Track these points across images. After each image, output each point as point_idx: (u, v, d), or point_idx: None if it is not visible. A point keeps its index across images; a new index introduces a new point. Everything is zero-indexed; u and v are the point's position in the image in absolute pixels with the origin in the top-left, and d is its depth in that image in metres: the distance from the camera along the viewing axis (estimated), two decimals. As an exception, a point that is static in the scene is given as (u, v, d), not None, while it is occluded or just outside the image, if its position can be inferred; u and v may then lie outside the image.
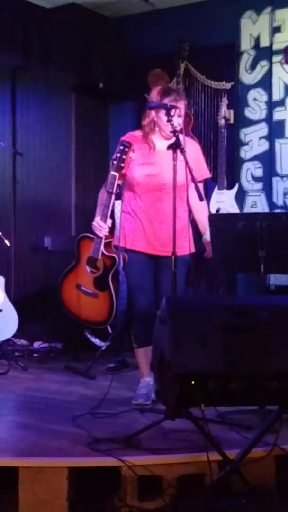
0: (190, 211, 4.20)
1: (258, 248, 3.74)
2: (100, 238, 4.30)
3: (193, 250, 4.20)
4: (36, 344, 5.84)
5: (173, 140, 3.89)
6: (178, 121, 4.06)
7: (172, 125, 3.91)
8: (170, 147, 3.88)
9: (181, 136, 4.05)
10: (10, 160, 6.19)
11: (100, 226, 4.18)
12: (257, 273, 3.82)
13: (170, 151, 3.86)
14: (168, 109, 3.96)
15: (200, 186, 4.23)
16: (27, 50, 5.74)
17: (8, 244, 5.29)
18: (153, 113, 4.12)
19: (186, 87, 6.04)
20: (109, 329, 4.78)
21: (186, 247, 4.10)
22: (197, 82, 6.09)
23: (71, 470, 3.02)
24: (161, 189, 4.08)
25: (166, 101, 4.04)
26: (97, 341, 5.07)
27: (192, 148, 4.23)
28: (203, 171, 4.29)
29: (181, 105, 4.08)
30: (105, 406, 3.92)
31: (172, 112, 3.98)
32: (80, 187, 6.54)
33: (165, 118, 3.99)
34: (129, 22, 6.44)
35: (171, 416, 3.10)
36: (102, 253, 4.41)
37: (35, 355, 5.65)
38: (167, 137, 4.08)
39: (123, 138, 4.21)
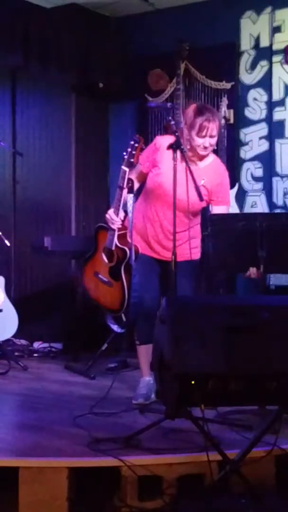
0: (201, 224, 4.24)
1: (258, 248, 3.75)
2: (113, 230, 4.33)
3: (194, 257, 4.21)
4: (36, 344, 5.84)
5: (173, 140, 3.89)
6: (210, 142, 4.02)
7: (172, 125, 3.91)
8: (170, 147, 3.88)
9: (213, 156, 4.10)
10: (10, 160, 6.19)
11: (112, 219, 4.21)
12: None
13: (189, 172, 3.83)
14: (168, 109, 3.96)
15: (223, 209, 4.18)
16: (27, 50, 5.73)
17: (8, 244, 5.29)
18: (185, 131, 4.04)
19: (186, 87, 6.04)
20: (123, 318, 4.79)
21: (193, 253, 4.14)
22: (197, 82, 6.09)
23: (71, 470, 3.02)
24: (169, 198, 4.06)
25: (198, 120, 3.97)
26: (115, 327, 5.07)
27: (219, 172, 4.21)
28: (219, 199, 4.17)
29: (213, 126, 4.00)
30: (105, 406, 3.92)
31: (173, 116, 3.98)
32: (80, 187, 6.54)
33: (196, 138, 3.98)
34: (129, 22, 6.44)
35: (171, 416, 3.10)
36: (116, 244, 4.43)
37: (35, 355, 5.66)
38: (199, 156, 4.07)
39: (158, 137, 4.25)
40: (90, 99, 6.54)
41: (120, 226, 4.27)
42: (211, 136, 4.01)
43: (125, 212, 4.23)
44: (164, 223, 4.14)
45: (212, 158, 4.18)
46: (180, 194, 3.85)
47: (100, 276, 4.63)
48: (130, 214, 4.11)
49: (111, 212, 4.22)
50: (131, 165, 4.14)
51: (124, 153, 4.15)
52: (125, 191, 4.14)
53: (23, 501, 2.99)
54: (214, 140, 4.05)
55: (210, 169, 4.14)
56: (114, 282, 4.54)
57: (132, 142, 4.13)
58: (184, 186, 3.83)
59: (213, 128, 4.00)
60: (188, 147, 4.03)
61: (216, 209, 4.17)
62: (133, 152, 4.10)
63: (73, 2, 5.97)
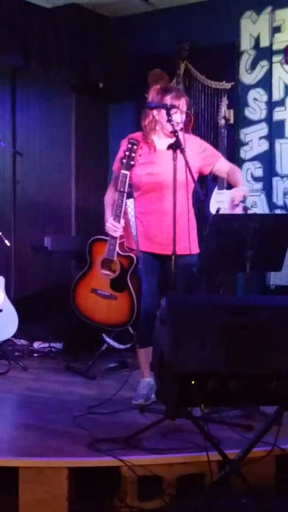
0: (194, 212, 4.21)
1: (248, 248, 3.76)
2: (115, 238, 4.25)
3: (194, 251, 4.16)
4: (36, 344, 5.84)
5: (173, 140, 3.89)
6: (182, 117, 4.06)
7: (172, 125, 3.91)
8: (170, 147, 3.88)
9: (181, 134, 4.05)
10: (10, 160, 6.20)
11: (115, 227, 4.16)
12: (242, 272, 3.90)
13: (170, 150, 3.85)
14: (168, 109, 3.95)
15: (223, 162, 4.29)
16: (27, 50, 5.73)
17: (8, 244, 5.28)
18: (154, 112, 4.10)
19: (186, 87, 6.03)
20: (130, 330, 4.69)
21: (186, 247, 4.08)
22: (197, 82, 6.09)
23: (71, 470, 3.02)
24: (162, 187, 4.07)
25: (167, 99, 4.02)
26: (116, 344, 5.05)
27: (194, 143, 4.22)
28: (214, 157, 4.28)
29: (183, 101, 4.07)
30: (105, 406, 3.92)
31: (173, 112, 3.98)
32: (80, 187, 6.54)
33: (166, 117, 3.98)
34: (129, 22, 6.44)
35: (171, 416, 3.10)
36: (118, 253, 4.37)
37: (35, 355, 5.65)
38: (170, 135, 4.06)
39: (124, 140, 4.21)
40: (90, 99, 6.54)
41: (122, 233, 4.22)
42: (181, 112, 4.07)
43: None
44: (161, 209, 4.10)
45: (181, 134, 4.12)
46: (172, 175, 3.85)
47: (100, 291, 4.54)
48: (132, 219, 4.08)
49: (111, 220, 4.15)
50: (131, 168, 4.11)
51: (122, 157, 4.11)
52: (125, 195, 4.11)
53: (23, 501, 2.99)
54: (183, 117, 4.12)
55: (186, 143, 4.06)
56: (119, 294, 4.45)
57: (130, 145, 4.09)
58: (174, 168, 3.83)
59: (183, 103, 4.09)
60: (158, 128, 4.11)
61: (219, 165, 4.25)
62: (132, 155, 4.07)
63: (73, 2, 5.98)
